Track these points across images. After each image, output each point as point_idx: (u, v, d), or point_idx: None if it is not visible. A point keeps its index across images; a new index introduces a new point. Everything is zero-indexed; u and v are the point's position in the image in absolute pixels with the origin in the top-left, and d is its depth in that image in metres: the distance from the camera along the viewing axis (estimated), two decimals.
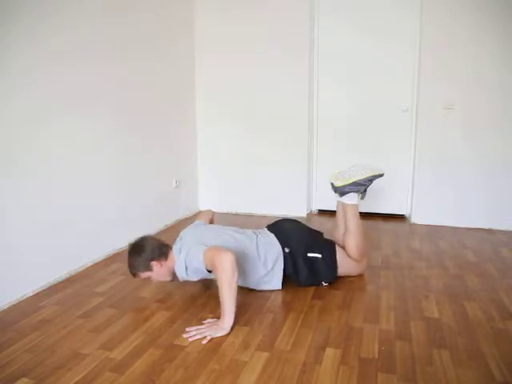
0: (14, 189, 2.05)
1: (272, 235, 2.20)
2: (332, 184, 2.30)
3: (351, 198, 2.26)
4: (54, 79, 2.24)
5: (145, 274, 2.03)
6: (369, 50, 3.48)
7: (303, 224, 2.36)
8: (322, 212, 3.83)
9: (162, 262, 2.02)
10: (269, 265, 2.10)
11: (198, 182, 3.94)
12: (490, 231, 3.20)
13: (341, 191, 2.27)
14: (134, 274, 2.05)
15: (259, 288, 2.15)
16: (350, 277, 2.29)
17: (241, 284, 2.09)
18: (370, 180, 2.24)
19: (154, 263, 2.01)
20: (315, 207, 3.87)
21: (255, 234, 2.22)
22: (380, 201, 3.65)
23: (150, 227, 3.16)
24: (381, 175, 2.26)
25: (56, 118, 2.28)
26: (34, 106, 2.13)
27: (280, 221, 2.37)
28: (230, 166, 3.84)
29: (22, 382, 1.46)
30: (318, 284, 2.20)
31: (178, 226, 3.40)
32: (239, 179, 3.82)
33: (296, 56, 3.50)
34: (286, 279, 2.17)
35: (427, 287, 2.19)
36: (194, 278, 2.01)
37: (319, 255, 2.15)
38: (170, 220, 3.45)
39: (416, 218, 3.47)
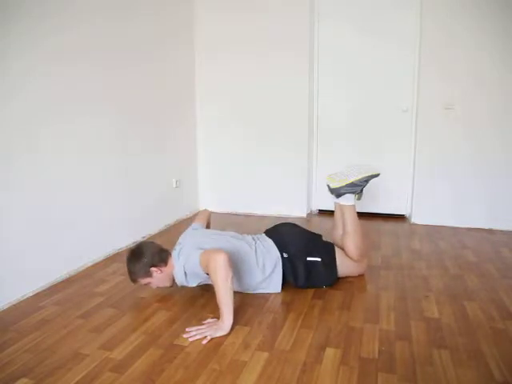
0: (14, 189, 2.05)
1: (270, 241, 2.19)
2: (328, 186, 2.30)
3: (348, 200, 2.26)
4: (54, 79, 2.25)
5: (145, 280, 2.03)
6: (369, 51, 3.48)
7: (301, 228, 2.35)
8: (322, 212, 3.83)
9: (162, 268, 2.01)
10: (267, 271, 2.09)
11: (198, 181, 3.94)
12: (490, 231, 3.20)
13: (337, 193, 2.27)
14: (134, 281, 2.05)
15: (257, 292, 2.14)
16: (350, 277, 2.29)
17: (239, 289, 2.08)
18: (366, 180, 2.24)
19: (153, 269, 2.00)
20: (315, 207, 3.87)
21: (254, 240, 2.21)
22: (380, 201, 3.65)
23: (150, 227, 3.17)
24: (376, 175, 2.26)
25: (56, 117, 2.28)
26: (34, 106, 2.13)
27: (278, 226, 2.35)
28: (230, 165, 3.84)
29: (22, 382, 1.46)
30: (319, 286, 2.19)
31: (179, 225, 3.40)
32: (239, 179, 3.82)
33: (296, 56, 3.49)
34: (286, 282, 2.16)
35: (427, 287, 2.19)
36: (194, 284, 2.01)
37: (319, 259, 2.14)
38: (170, 220, 3.45)
39: (416, 218, 3.47)
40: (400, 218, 3.63)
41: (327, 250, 2.21)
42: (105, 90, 2.64)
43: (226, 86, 3.72)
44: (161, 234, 3.22)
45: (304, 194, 3.68)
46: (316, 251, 2.17)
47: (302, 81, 3.53)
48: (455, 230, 3.23)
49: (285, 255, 2.12)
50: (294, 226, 2.36)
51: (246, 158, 3.77)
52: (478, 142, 3.22)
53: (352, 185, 2.22)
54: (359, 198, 2.30)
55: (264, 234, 2.29)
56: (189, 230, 2.24)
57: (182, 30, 3.56)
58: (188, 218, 3.61)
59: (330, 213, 3.68)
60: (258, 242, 2.19)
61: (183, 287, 2.19)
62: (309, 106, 3.56)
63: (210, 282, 1.99)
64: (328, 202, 3.78)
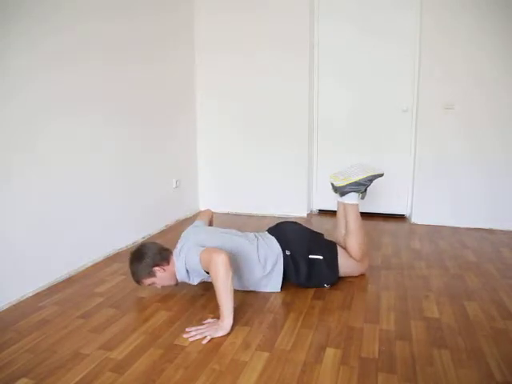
0: (14, 189, 2.05)
1: (273, 238, 2.19)
2: (332, 184, 2.31)
3: (352, 198, 2.27)
4: (53, 79, 2.24)
5: (149, 281, 2.03)
6: (369, 50, 3.48)
7: (304, 226, 2.35)
8: (322, 212, 3.83)
9: (165, 267, 2.02)
10: (268, 267, 2.10)
11: (198, 181, 3.94)
12: (490, 231, 3.20)
13: (341, 191, 2.27)
14: (138, 282, 2.05)
15: (258, 290, 2.15)
16: (350, 277, 2.29)
17: (239, 287, 2.09)
18: (370, 180, 2.24)
19: (156, 269, 2.00)
20: (315, 207, 3.87)
21: (256, 236, 2.21)
22: (380, 201, 3.65)
23: (150, 227, 3.17)
24: (380, 175, 2.27)
25: (56, 117, 2.28)
26: (34, 106, 2.13)
27: (281, 223, 2.35)
28: (230, 166, 3.84)
29: (22, 382, 1.46)
30: (319, 285, 2.20)
31: (179, 226, 3.40)
32: (239, 179, 3.82)
33: (296, 56, 3.49)
34: (287, 280, 2.17)
35: (427, 287, 2.19)
36: (196, 281, 2.01)
37: (321, 257, 2.15)
38: (170, 220, 3.45)
39: (416, 218, 3.47)
40: (400, 218, 3.63)
41: (329, 248, 2.21)
42: (104, 90, 2.64)
43: (226, 86, 3.72)
44: (161, 234, 3.22)
45: (304, 193, 3.68)
46: (318, 249, 2.17)
47: (302, 81, 3.52)
48: (455, 230, 3.23)
49: (287, 252, 2.13)
50: (296, 224, 2.36)
51: (246, 157, 3.77)
52: (478, 142, 3.22)
53: (356, 184, 2.23)
54: (363, 198, 2.31)
55: (266, 232, 2.29)
56: (190, 228, 2.25)
57: (181, 30, 3.56)
58: (188, 218, 3.61)
59: (330, 213, 3.70)
60: (259, 238, 2.19)
61: (182, 285, 2.19)
62: (309, 105, 3.56)
63: (210, 280, 1.99)
64: (328, 202, 3.78)
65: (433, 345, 1.65)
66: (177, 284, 2.10)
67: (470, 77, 3.16)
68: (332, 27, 3.55)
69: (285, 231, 2.25)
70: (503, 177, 3.20)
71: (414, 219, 3.47)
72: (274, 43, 3.52)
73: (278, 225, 2.34)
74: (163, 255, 2.04)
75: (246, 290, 2.13)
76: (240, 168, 3.81)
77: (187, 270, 1.96)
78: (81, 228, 2.48)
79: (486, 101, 3.15)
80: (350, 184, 2.23)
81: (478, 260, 2.58)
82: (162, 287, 2.10)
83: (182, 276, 2.00)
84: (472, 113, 3.20)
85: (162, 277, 2.02)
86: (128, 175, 2.90)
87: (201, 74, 3.76)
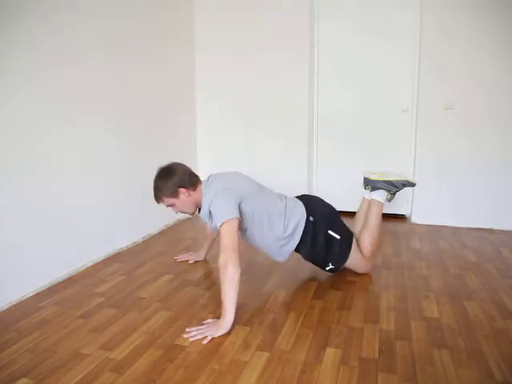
0: (14, 189, 2.05)
1: (300, 202, 2.20)
2: (365, 178, 2.38)
3: (380, 196, 2.33)
4: (53, 79, 2.24)
5: (170, 200, 2.00)
6: (369, 50, 3.48)
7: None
8: None
9: (190, 192, 1.99)
10: (289, 229, 2.08)
11: None
12: (490, 231, 3.20)
13: (373, 185, 2.33)
14: (159, 199, 2.01)
15: (269, 251, 2.13)
16: (350, 277, 2.29)
17: (252, 242, 2.09)
18: (404, 184, 2.33)
19: (182, 190, 1.97)
20: None
21: (285, 197, 2.21)
22: None
23: (150, 227, 3.17)
24: (413, 184, 2.37)
25: (56, 117, 2.27)
26: (34, 106, 2.13)
27: (306, 194, 2.37)
28: (230, 166, 3.81)
29: (22, 382, 1.46)
30: (324, 264, 2.19)
31: (179, 225, 3.40)
32: None
33: (296, 56, 3.49)
34: (298, 248, 2.16)
35: (427, 287, 2.19)
36: (214, 225, 1.96)
37: (338, 236, 2.15)
38: (170, 220, 3.44)
39: (416, 218, 3.47)
40: (400, 217, 3.63)
41: (348, 233, 2.22)
42: (105, 90, 2.64)
43: (226, 86, 3.72)
44: (161, 234, 3.22)
45: (304, 193, 3.67)
46: (338, 228, 2.18)
47: (302, 81, 3.52)
48: (455, 230, 3.23)
49: (311, 219, 2.13)
50: (321, 198, 2.39)
51: (245, 157, 3.77)
52: (478, 142, 3.22)
53: (390, 183, 2.31)
54: (389, 200, 2.36)
55: (294, 197, 2.29)
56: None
57: (181, 30, 3.56)
58: (188, 219, 3.61)
59: None
60: (288, 199, 2.19)
61: (183, 285, 2.19)
62: (309, 106, 3.56)
63: None
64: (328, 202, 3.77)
65: (433, 345, 1.65)
66: (193, 213, 2.10)
67: (470, 77, 3.16)
68: (332, 27, 3.55)
69: (311, 200, 2.27)
70: (503, 177, 3.20)
71: (414, 219, 3.47)
72: (273, 43, 3.52)
73: (303, 194, 2.36)
74: (192, 179, 2.02)
75: (258, 248, 2.13)
76: (240, 168, 3.78)
77: (210, 212, 1.92)
78: (81, 228, 2.48)
79: (486, 101, 3.15)
80: (385, 181, 2.31)
81: (478, 260, 2.58)
82: (179, 212, 2.07)
83: (204, 213, 1.97)
84: (472, 113, 3.20)
85: (184, 200, 2.00)
86: (128, 175, 2.90)
87: (201, 74, 3.76)
